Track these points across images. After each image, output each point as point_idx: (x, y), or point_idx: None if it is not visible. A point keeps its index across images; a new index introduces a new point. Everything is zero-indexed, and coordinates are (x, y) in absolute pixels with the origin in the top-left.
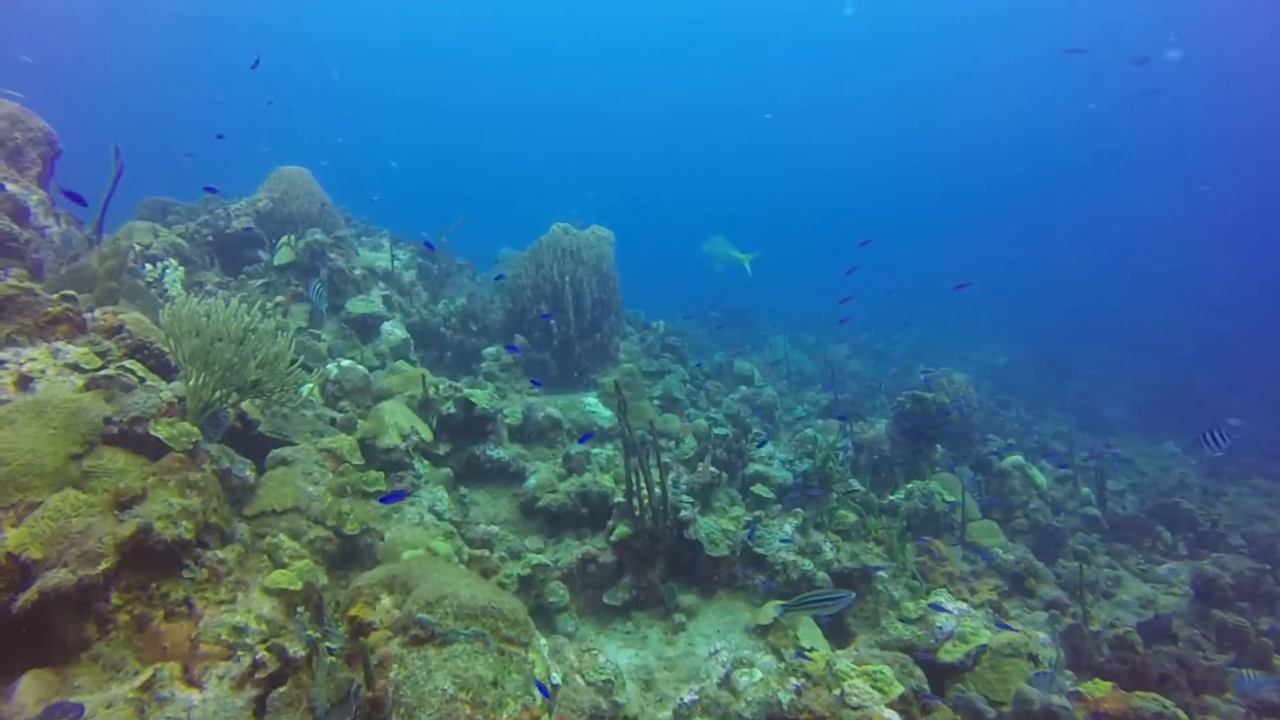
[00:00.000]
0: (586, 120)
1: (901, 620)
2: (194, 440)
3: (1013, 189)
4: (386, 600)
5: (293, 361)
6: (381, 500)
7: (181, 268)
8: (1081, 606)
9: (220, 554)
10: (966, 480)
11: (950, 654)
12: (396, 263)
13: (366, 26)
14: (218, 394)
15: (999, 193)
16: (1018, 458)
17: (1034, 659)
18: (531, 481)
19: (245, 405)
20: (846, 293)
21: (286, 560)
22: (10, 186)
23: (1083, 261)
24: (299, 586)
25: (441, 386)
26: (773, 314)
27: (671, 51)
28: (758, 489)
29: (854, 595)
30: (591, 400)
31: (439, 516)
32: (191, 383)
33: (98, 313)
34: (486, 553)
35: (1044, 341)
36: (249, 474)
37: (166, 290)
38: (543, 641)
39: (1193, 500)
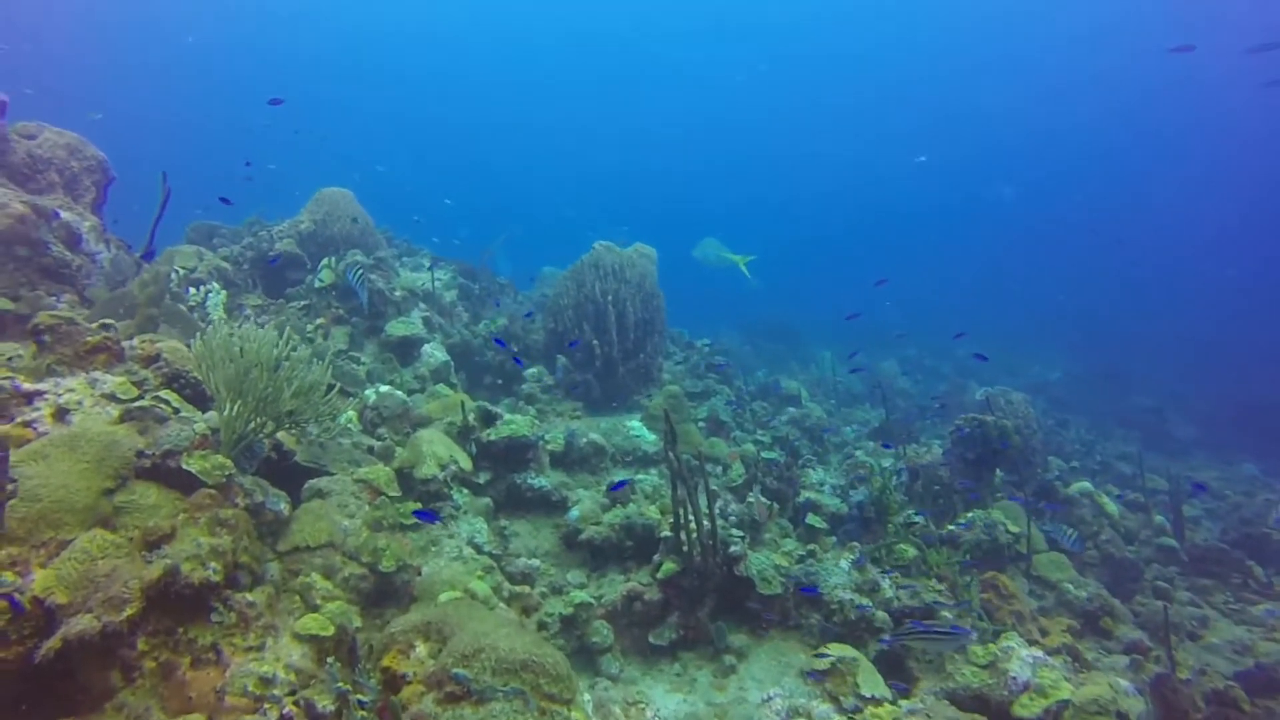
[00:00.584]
0: (603, 130)
1: (969, 665)
2: (227, 473)
3: (1077, 194)
4: (421, 649)
5: (329, 389)
6: (415, 515)
7: (224, 291)
8: (1167, 651)
9: (250, 596)
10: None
11: (1027, 709)
12: (437, 283)
13: (394, 50)
14: (252, 425)
15: (1065, 201)
16: (1086, 484)
17: (1123, 718)
18: (574, 513)
19: (281, 435)
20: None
21: (319, 601)
22: (64, 214)
23: (1145, 270)
24: (330, 631)
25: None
26: (818, 328)
27: (689, 58)
28: (812, 519)
29: (974, 634)
30: (635, 424)
31: (478, 550)
32: (225, 414)
33: (135, 341)
34: (527, 589)
35: (1102, 354)
36: (283, 507)
37: (209, 314)
38: (586, 697)
39: None
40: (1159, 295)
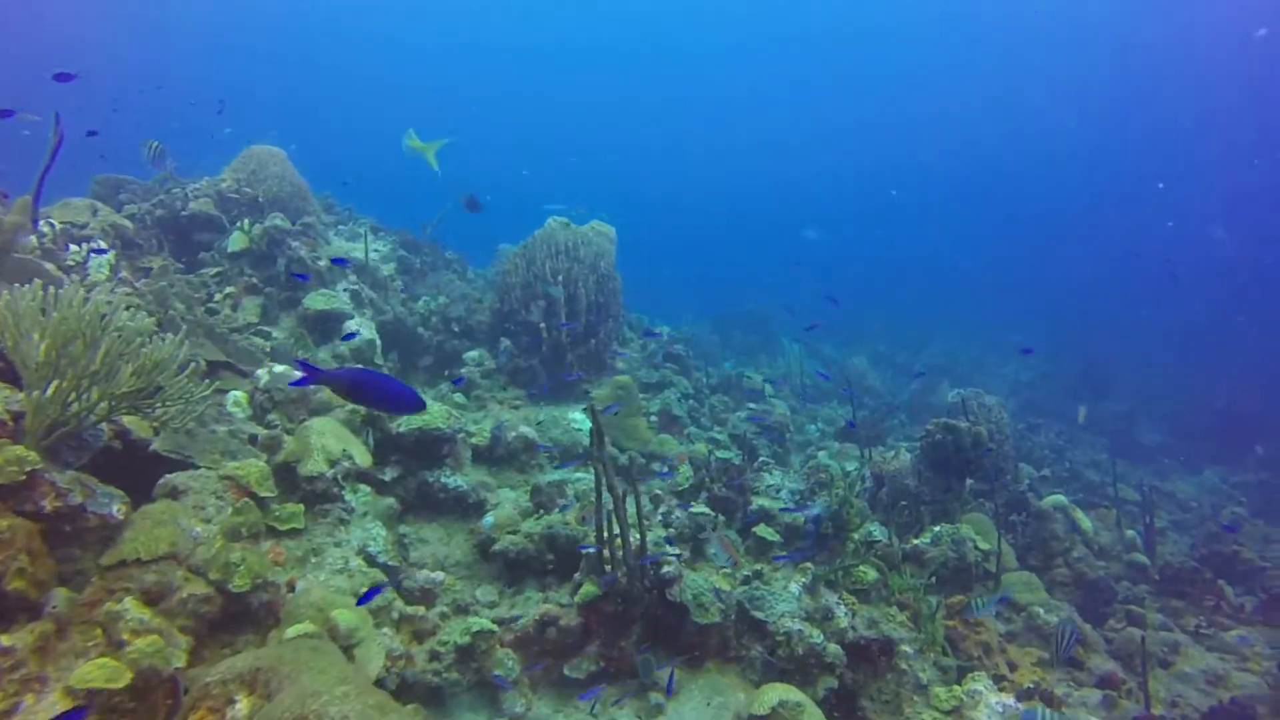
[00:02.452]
0: (582, 105)
1: (931, 710)
2: (29, 469)
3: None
4: (243, 705)
5: (182, 369)
6: None
7: (112, 251)
8: (1143, 686)
9: (7, 639)
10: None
11: None
12: (374, 254)
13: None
14: (75, 408)
15: (1044, 194)
16: (1060, 498)
17: None
18: (489, 519)
19: (130, 420)
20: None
21: (126, 636)
22: None
23: (1129, 269)
24: (123, 682)
25: None
26: (790, 320)
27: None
28: (761, 530)
29: None
30: (578, 415)
31: (370, 561)
32: (34, 395)
33: None
34: (423, 610)
35: (1077, 355)
36: (116, 509)
37: (89, 276)
38: None
39: (1254, 549)
40: (1146, 293)
